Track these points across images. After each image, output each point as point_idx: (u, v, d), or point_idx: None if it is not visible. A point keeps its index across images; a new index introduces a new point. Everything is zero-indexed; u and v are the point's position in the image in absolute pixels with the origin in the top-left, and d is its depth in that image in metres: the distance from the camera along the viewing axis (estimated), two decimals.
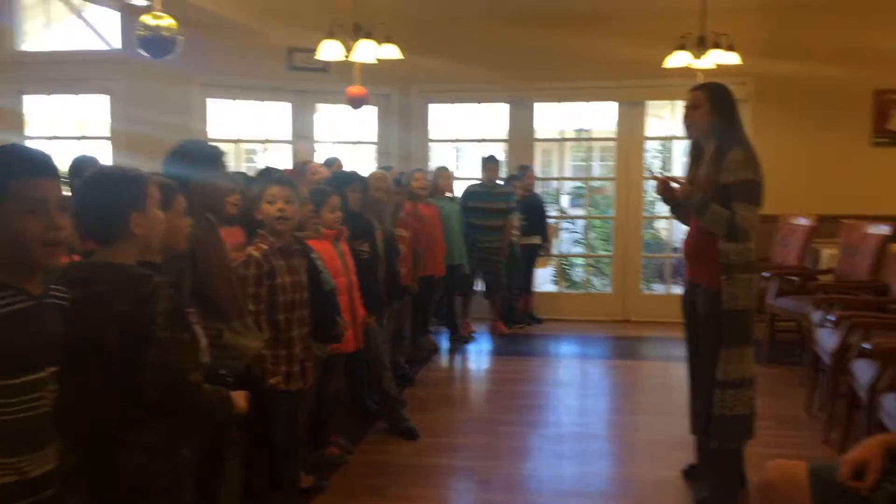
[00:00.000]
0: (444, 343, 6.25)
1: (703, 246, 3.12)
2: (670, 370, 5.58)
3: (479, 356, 6.15)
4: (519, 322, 6.75)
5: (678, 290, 7.35)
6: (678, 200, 3.21)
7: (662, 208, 7.81)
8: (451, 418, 4.57)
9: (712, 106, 3.09)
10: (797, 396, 4.65)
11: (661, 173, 3.56)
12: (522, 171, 6.72)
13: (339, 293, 3.52)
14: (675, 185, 3.22)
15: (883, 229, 4.90)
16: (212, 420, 2.15)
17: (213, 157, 2.69)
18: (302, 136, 6.90)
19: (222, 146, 3.06)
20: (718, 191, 3.03)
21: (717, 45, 5.51)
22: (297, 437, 3.18)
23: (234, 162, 7.52)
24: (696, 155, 3.26)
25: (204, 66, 6.12)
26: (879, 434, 1.90)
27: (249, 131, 7.26)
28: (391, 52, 5.20)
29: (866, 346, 3.40)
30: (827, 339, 4.10)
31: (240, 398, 2.06)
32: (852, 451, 1.82)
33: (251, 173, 4.47)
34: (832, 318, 4.11)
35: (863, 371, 3.45)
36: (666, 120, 8.58)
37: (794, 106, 6.42)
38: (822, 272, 5.54)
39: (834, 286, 4.97)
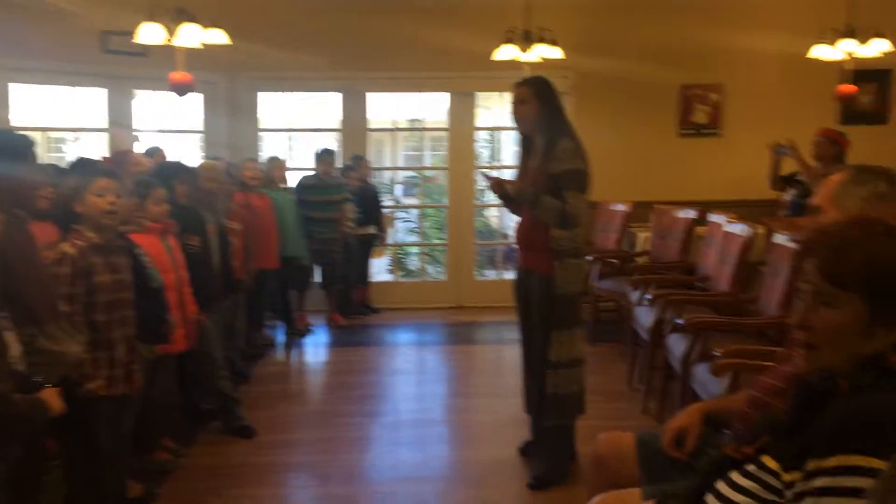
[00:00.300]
0: (280, 337, 6.11)
1: (536, 234, 3.25)
2: (504, 353, 5.79)
3: (316, 349, 6.07)
4: (355, 313, 6.72)
5: (509, 275, 7.63)
6: (511, 196, 3.32)
7: (493, 197, 8.07)
8: (288, 413, 4.48)
9: (539, 100, 3.22)
10: (619, 371, 4.98)
11: (490, 172, 3.66)
12: (356, 161, 6.69)
13: (167, 290, 3.34)
14: (507, 182, 3.33)
15: (690, 214, 5.33)
16: (26, 429, 1.98)
17: (20, 148, 2.48)
18: (119, 124, 6.47)
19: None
20: (550, 180, 3.16)
21: (541, 40, 5.74)
22: (123, 443, 3.00)
23: (41, 152, 6.92)
24: (526, 147, 3.38)
25: (6, 49, 5.58)
26: (697, 402, 2.06)
27: (58, 119, 6.71)
28: (217, 36, 4.97)
29: (679, 321, 3.68)
30: (644, 317, 4.40)
31: (52, 398, 1.91)
32: (673, 420, 1.96)
33: (61, 164, 4.13)
34: (649, 297, 4.43)
35: (677, 344, 3.75)
36: (494, 111, 8.84)
37: (611, 99, 6.82)
38: (639, 254, 5.95)
39: (649, 267, 5.37)
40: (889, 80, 6.82)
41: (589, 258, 5.67)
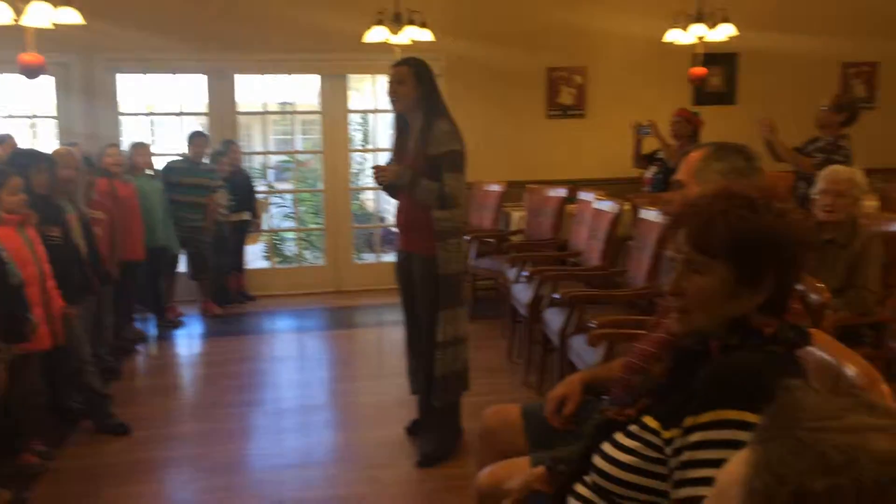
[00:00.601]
0: (152, 330, 5.87)
1: (416, 216, 3.28)
2: (385, 335, 5.82)
3: (190, 340, 5.87)
4: (231, 301, 6.55)
5: (388, 258, 7.65)
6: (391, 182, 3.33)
7: (368, 180, 8.04)
8: (164, 408, 4.32)
9: (417, 80, 3.23)
10: (499, 347, 5.12)
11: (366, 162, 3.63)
12: (227, 146, 6.48)
13: (28, 285, 3.14)
14: (386, 169, 3.33)
15: (560, 192, 5.53)
16: None
17: None
18: None
19: None
20: (428, 162, 3.19)
21: (411, 22, 5.76)
22: None
23: None
24: (401, 128, 3.39)
25: None
26: (576, 373, 2.16)
27: None
28: (70, 16, 4.67)
29: (556, 296, 3.83)
30: (522, 293, 4.55)
31: None
32: (555, 390, 2.05)
33: None
34: (525, 273, 4.57)
35: (553, 318, 3.89)
36: (366, 93, 8.79)
37: (481, 82, 6.93)
38: (514, 233, 6.11)
39: (524, 245, 5.53)
40: (736, 62, 7.29)
41: (466, 238, 5.79)
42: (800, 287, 1.40)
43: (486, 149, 6.49)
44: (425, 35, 5.79)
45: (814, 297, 2.14)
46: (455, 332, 3.31)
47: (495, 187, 6.24)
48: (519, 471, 1.81)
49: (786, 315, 1.36)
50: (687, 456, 1.24)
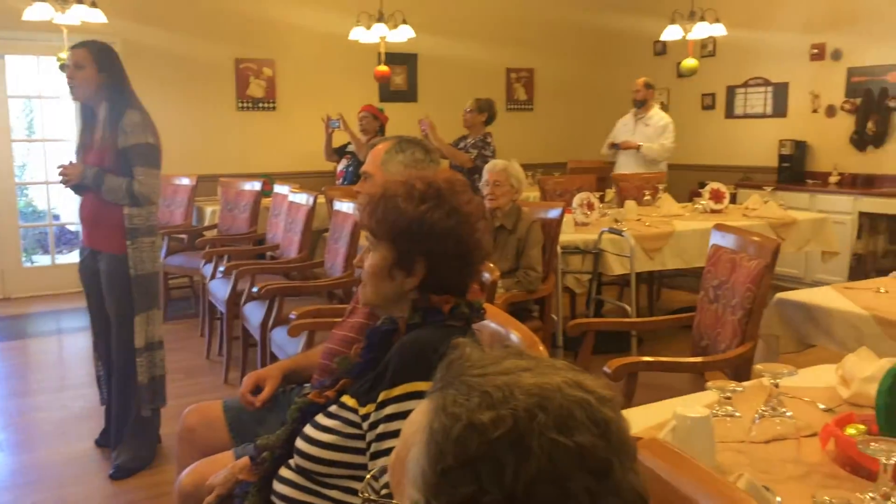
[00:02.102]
0: None
1: (102, 211, 3.05)
2: (66, 343, 5.34)
3: None
4: None
5: (64, 259, 6.98)
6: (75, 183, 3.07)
7: (36, 173, 7.25)
8: None
9: (98, 66, 3.00)
10: (197, 347, 4.96)
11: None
12: None
13: None
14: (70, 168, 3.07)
15: (255, 186, 5.49)
16: None
17: None
18: None
19: None
20: (117, 154, 2.99)
21: (80, 1, 5.31)
22: None
23: None
24: (87, 118, 3.14)
25: None
26: (278, 361, 2.21)
27: None
28: None
29: (254, 289, 3.82)
30: (219, 289, 4.45)
31: None
32: (253, 372, 2.10)
33: None
34: (222, 269, 4.49)
35: (253, 313, 3.88)
36: (31, 77, 7.88)
37: (165, 71, 6.61)
38: (208, 228, 5.94)
39: (220, 240, 5.40)
40: (416, 63, 7.78)
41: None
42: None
43: (174, 141, 6.16)
44: (96, 15, 5.36)
45: (486, 276, 2.43)
46: (152, 336, 3.16)
47: (186, 181, 6.00)
48: (223, 466, 1.81)
49: (465, 293, 1.54)
50: (382, 428, 1.36)
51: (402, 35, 6.29)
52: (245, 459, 1.69)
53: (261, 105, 7.13)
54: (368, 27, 6.24)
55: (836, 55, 6.71)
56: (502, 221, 3.82)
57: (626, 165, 6.37)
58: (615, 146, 6.44)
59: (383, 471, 0.88)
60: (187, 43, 6.64)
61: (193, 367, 4.60)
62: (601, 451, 0.68)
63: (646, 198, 5.65)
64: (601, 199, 5.33)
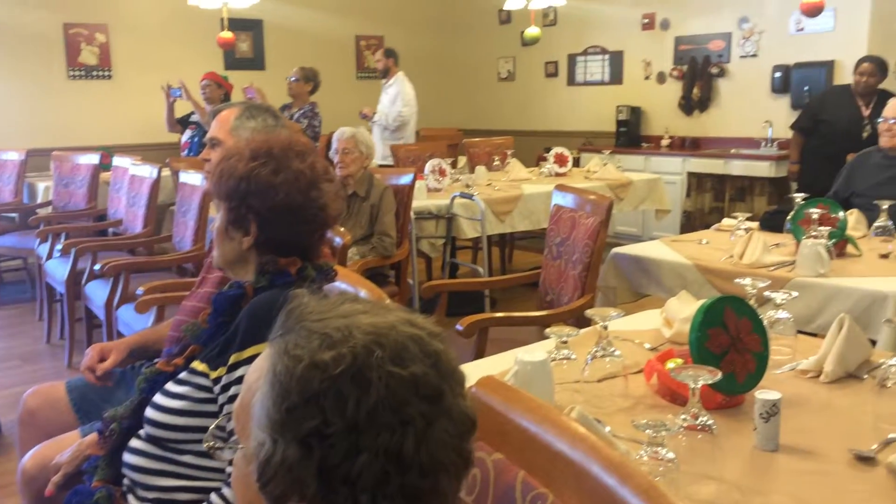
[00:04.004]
0: None
1: None
2: None
3: None
4: None
5: None
6: None
7: None
8: None
9: None
10: (36, 331, 4.68)
11: None
12: None
13: None
14: None
15: (93, 159, 5.21)
16: None
17: None
18: None
19: None
20: None
21: None
22: None
23: None
24: None
25: None
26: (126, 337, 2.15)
27: None
28: None
29: (97, 267, 3.65)
30: (57, 269, 4.22)
31: None
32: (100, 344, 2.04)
33: None
34: (59, 248, 4.25)
35: (96, 292, 3.72)
36: None
37: None
38: (42, 205, 5.57)
39: (56, 217, 5.09)
40: (262, 29, 7.58)
41: None
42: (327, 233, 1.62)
43: None
44: None
45: (337, 240, 2.46)
46: None
47: (14, 155, 5.60)
48: (68, 446, 1.76)
49: (314, 256, 1.57)
50: (234, 390, 1.38)
51: (244, 1, 6.11)
52: (93, 436, 1.66)
53: (95, 73, 6.72)
54: None
55: (665, 24, 7.15)
56: (355, 188, 3.84)
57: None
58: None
59: (228, 419, 0.91)
60: (9, 5, 6.14)
61: (32, 353, 4.35)
62: (433, 379, 0.75)
63: (495, 163, 5.84)
64: (453, 166, 5.46)
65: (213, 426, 0.94)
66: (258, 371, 0.78)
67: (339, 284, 1.79)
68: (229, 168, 1.48)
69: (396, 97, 6.30)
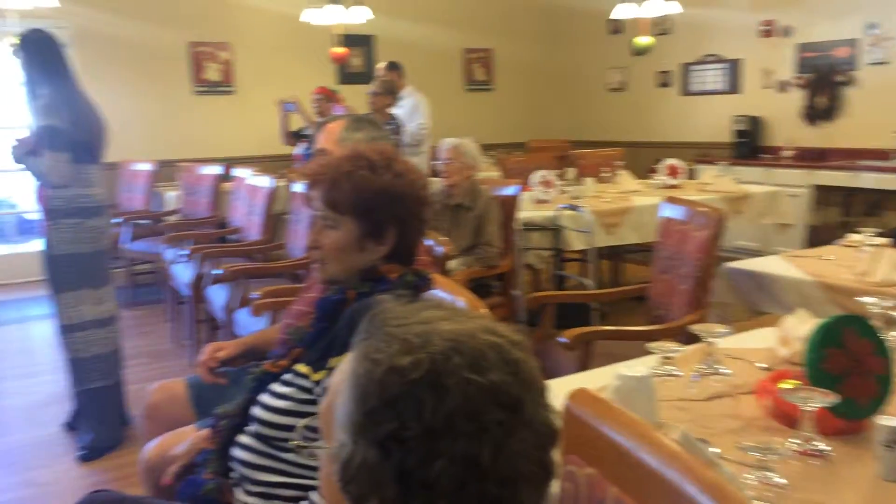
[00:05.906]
0: None
1: (44, 196, 3.18)
2: (31, 330, 5.32)
3: None
4: None
5: (25, 248, 6.91)
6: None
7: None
8: None
9: (25, 52, 3.10)
10: (163, 331, 4.96)
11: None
12: None
13: None
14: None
15: (215, 170, 5.49)
16: None
17: None
18: None
19: None
20: (34, 135, 3.09)
21: None
22: None
23: None
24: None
25: None
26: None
27: None
28: None
29: (218, 272, 3.84)
30: (183, 274, 4.46)
31: None
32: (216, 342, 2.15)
33: None
34: (185, 253, 4.49)
35: (217, 295, 3.90)
36: None
37: (117, 56, 6.54)
38: (169, 213, 5.92)
39: (181, 224, 5.40)
40: (373, 44, 7.78)
41: (117, 220, 5.48)
42: (428, 241, 1.65)
43: (129, 126, 6.19)
44: (49, 0, 5.30)
45: (438, 249, 2.49)
46: (81, 316, 3.21)
47: (145, 166, 5.97)
48: (186, 438, 1.86)
49: (413, 264, 1.60)
50: None
51: (358, 16, 6.29)
52: (207, 430, 1.74)
53: (218, 89, 7.08)
54: (320, 6, 6.23)
55: (787, 32, 6.85)
56: (460, 199, 3.87)
57: None
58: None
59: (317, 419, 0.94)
60: (139, 27, 6.57)
61: (160, 352, 4.61)
62: (512, 387, 0.75)
63: (604, 175, 5.74)
64: (561, 178, 5.41)
65: (301, 425, 0.98)
66: (342, 374, 0.80)
67: (436, 292, 1.81)
68: (362, 180, 1.49)
69: (413, 111, 6.04)
